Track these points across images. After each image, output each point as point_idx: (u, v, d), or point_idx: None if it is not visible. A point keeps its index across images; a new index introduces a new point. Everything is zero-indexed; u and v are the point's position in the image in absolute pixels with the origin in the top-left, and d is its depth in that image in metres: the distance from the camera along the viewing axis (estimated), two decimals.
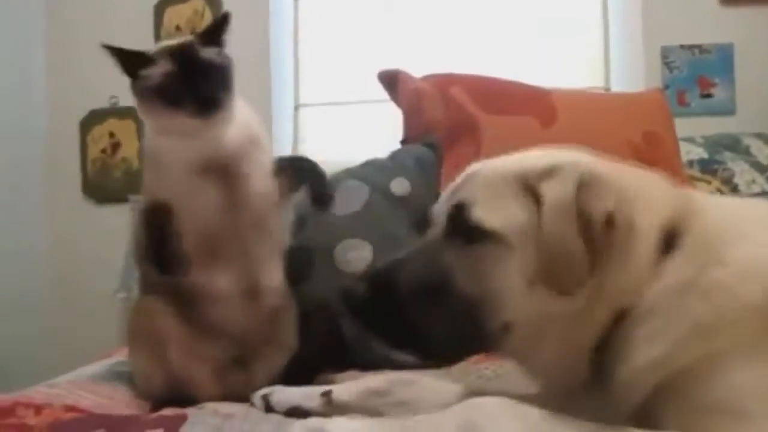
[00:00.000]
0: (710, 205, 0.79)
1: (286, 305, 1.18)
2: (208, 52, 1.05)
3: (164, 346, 1.07)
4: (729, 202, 0.85)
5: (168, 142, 1.06)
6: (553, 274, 0.72)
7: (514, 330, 0.75)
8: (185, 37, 1.08)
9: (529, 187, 0.76)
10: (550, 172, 0.76)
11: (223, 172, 1.07)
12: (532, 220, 0.74)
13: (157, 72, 1.02)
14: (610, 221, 0.71)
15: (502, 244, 0.75)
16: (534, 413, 0.67)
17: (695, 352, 0.67)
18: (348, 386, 0.96)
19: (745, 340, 0.66)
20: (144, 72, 1.03)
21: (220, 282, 1.08)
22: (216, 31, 1.08)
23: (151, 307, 1.09)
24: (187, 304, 1.08)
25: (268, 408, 0.98)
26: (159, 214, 1.07)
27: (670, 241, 0.73)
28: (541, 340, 0.75)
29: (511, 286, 0.74)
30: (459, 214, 0.78)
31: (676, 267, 0.71)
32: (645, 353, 0.69)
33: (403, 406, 0.91)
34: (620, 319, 0.72)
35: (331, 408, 0.93)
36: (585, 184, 0.73)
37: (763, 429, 0.61)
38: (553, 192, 0.74)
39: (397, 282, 0.78)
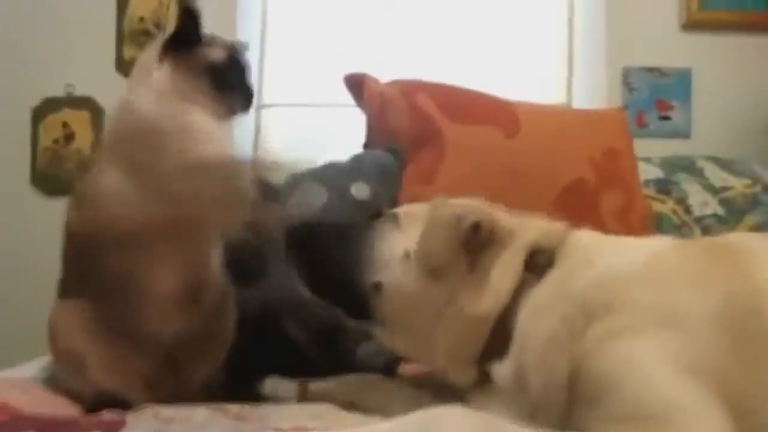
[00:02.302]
0: (586, 238, 0.93)
1: (225, 302, 1.13)
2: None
3: (83, 364, 1.01)
4: (606, 237, 0.97)
5: (209, 123, 1.02)
6: (426, 254, 0.90)
7: (383, 291, 0.93)
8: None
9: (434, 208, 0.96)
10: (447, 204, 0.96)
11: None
12: (423, 218, 0.94)
13: (217, 54, 1.03)
14: (476, 227, 0.90)
15: (395, 221, 0.97)
16: (494, 422, 0.68)
17: (576, 347, 0.75)
18: (323, 381, 1.08)
19: (609, 337, 0.74)
20: (203, 49, 1.02)
21: (161, 285, 1.01)
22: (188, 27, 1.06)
23: (68, 319, 1.02)
24: (112, 308, 1.01)
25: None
26: None
27: (543, 261, 0.88)
28: (409, 310, 0.92)
29: (390, 252, 0.93)
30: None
31: (547, 279, 0.86)
32: (537, 335, 0.81)
33: (372, 400, 1.02)
34: (501, 325, 0.86)
35: (306, 398, 1.06)
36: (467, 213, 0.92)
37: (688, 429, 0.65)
38: (445, 208, 0.94)
39: (321, 234, 1.01)
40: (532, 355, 0.80)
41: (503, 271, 0.89)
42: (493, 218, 0.93)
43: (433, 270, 0.90)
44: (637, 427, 0.65)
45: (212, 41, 1.05)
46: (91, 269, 1.03)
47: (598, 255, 0.86)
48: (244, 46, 1.14)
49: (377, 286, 0.94)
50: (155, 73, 1.02)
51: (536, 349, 0.80)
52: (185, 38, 1.01)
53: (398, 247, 0.94)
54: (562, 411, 0.76)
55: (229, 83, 1.03)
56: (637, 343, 0.72)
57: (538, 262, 0.89)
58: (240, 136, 2.47)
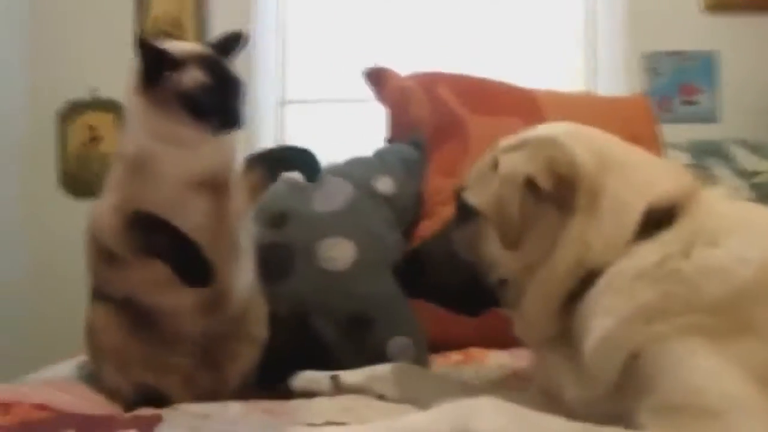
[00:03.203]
0: (716, 202, 0.82)
1: (255, 300, 1.15)
2: (232, 68, 1.02)
3: (125, 359, 1.03)
4: (738, 203, 0.88)
5: (169, 151, 0.99)
6: (501, 234, 0.84)
7: (507, 284, 0.88)
8: (199, 46, 1.03)
9: (497, 162, 0.88)
10: (515, 146, 0.88)
11: (214, 186, 1.03)
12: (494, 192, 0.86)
13: (188, 78, 0.96)
14: (530, 183, 0.82)
15: (481, 218, 0.90)
16: (525, 413, 0.67)
17: (641, 334, 0.71)
18: (355, 371, 1.08)
19: (689, 330, 0.69)
20: (171, 74, 0.96)
21: (181, 300, 1.02)
22: (228, 47, 1.05)
23: (105, 319, 1.05)
24: (142, 315, 1.04)
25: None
26: (158, 221, 0.98)
27: (661, 219, 0.78)
28: (524, 290, 0.85)
29: (492, 250, 0.88)
30: (458, 197, 0.95)
31: (649, 248, 0.76)
32: (595, 328, 0.75)
33: (405, 392, 1.03)
34: (588, 282, 0.79)
35: (339, 391, 1.05)
36: (536, 152, 0.83)
37: (735, 427, 0.62)
38: (504, 163, 0.86)
39: (422, 256, 1.00)
40: (605, 322, 0.74)
41: (598, 232, 0.78)
42: (554, 153, 0.82)
43: (512, 242, 0.83)
44: (687, 420, 0.63)
45: (186, 62, 0.97)
46: (111, 280, 1.06)
47: (726, 235, 0.75)
48: (242, 38, 1.07)
49: (502, 283, 0.88)
50: (133, 109, 1.00)
51: (613, 319, 0.74)
52: (151, 69, 0.96)
53: (494, 240, 0.87)
54: (607, 395, 0.73)
55: (202, 108, 0.96)
56: (708, 345, 0.68)
57: (653, 218, 0.78)
58: (263, 133, 2.49)
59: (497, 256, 0.87)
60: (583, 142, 0.85)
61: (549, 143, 0.84)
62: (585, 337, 0.76)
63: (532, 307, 0.85)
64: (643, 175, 0.83)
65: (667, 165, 0.89)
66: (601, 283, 0.77)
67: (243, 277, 1.11)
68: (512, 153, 0.86)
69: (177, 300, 1.01)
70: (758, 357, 0.67)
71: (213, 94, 0.97)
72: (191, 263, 0.97)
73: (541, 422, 0.66)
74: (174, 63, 0.97)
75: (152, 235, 0.98)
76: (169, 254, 0.96)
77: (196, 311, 1.04)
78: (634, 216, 0.78)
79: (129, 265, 1.01)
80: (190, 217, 1.01)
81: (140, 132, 0.99)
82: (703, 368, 0.67)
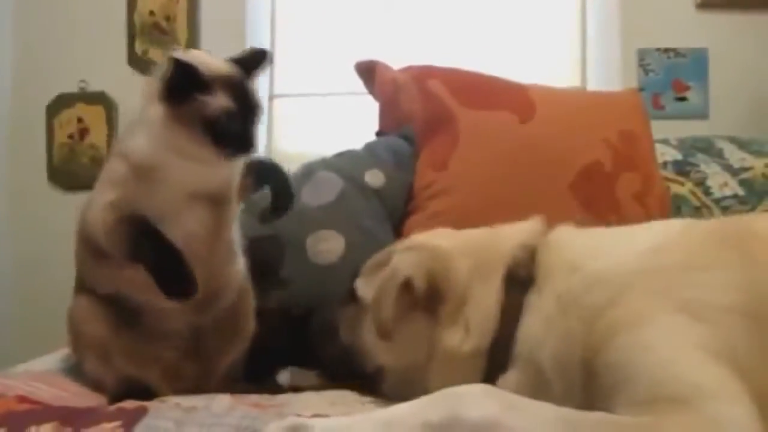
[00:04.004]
0: (567, 238, 0.91)
1: (244, 294, 1.14)
2: (255, 92, 1.01)
3: (108, 351, 1.02)
4: (589, 232, 0.93)
5: (181, 164, 0.98)
6: (376, 324, 0.91)
7: (386, 372, 0.95)
8: (227, 62, 1.01)
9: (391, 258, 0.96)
10: (409, 248, 0.96)
11: (216, 199, 1.02)
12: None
13: (216, 104, 0.95)
14: (407, 284, 0.90)
15: (363, 306, 0.98)
16: (516, 399, 0.67)
17: (587, 336, 0.75)
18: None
19: (622, 325, 0.72)
20: (201, 97, 0.94)
21: (168, 301, 0.99)
22: (252, 64, 1.04)
23: (88, 311, 1.04)
24: (128, 310, 1.03)
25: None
26: (148, 224, 0.97)
27: (523, 275, 0.88)
28: (411, 382, 0.89)
29: (369, 339, 0.95)
30: (351, 281, 1.04)
31: (537, 301, 0.84)
32: (542, 363, 0.80)
33: None
34: (496, 347, 0.86)
35: (327, 385, 1.07)
36: (421, 258, 0.91)
37: (716, 412, 0.63)
38: (394, 260, 0.94)
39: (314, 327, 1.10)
40: (546, 373, 0.79)
41: (480, 305, 0.88)
42: (434, 264, 0.91)
43: (384, 334, 0.91)
44: (662, 409, 0.63)
45: (215, 84, 0.96)
46: (98, 275, 1.05)
47: (580, 257, 0.84)
48: (267, 56, 1.06)
49: (380, 370, 0.97)
50: (152, 116, 0.98)
51: (548, 368, 0.79)
52: (179, 92, 0.95)
53: (370, 329, 0.94)
54: (579, 394, 0.75)
55: (222, 135, 0.96)
56: (652, 329, 0.70)
57: (517, 278, 0.88)
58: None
59: (372, 346, 0.95)
60: (464, 253, 0.93)
61: (436, 255, 0.92)
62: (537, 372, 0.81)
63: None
64: (492, 256, 0.92)
65: (512, 229, 0.96)
66: (519, 349, 0.85)
67: (237, 274, 1.11)
68: (404, 253, 0.94)
69: (166, 301, 0.99)
70: (692, 330, 0.69)
71: (235, 121, 0.97)
72: (174, 275, 0.95)
73: (532, 408, 0.66)
74: (203, 85, 0.95)
75: (141, 240, 0.96)
76: (153, 264, 0.95)
77: (187, 310, 1.04)
78: (495, 296, 0.88)
79: (118, 264, 1.00)
80: (188, 225, 1.00)
81: (154, 140, 0.98)
82: (663, 357, 0.68)
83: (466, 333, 0.87)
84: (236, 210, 1.09)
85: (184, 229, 0.99)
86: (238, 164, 1.05)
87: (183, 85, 0.94)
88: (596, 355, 0.73)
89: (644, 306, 0.72)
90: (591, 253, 0.84)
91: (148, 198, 0.98)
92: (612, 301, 0.74)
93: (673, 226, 0.87)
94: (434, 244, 0.95)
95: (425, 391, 0.76)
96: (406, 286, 0.90)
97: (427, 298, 0.90)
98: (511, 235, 0.94)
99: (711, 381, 0.65)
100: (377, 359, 0.95)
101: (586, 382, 0.74)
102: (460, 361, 0.87)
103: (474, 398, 0.66)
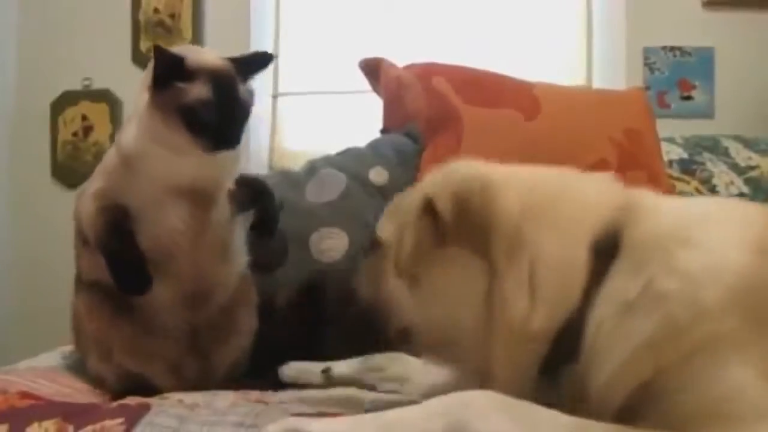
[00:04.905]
0: (656, 207, 0.75)
1: (245, 290, 1.14)
2: (243, 89, 1.01)
3: (109, 347, 1.03)
4: (677, 203, 0.82)
5: (161, 154, 0.99)
6: (395, 260, 0.74)
7: (414, 335, 0.77)
8: (222, 59, 1.01)
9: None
10: (434, 173, 0.79)
11: (198, 197, 1.03)
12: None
13: (194, 93, 0.95)
14: (427, 206, 0.72)
15: (384, 250, 0.79)
16: (526, 408, 0.63)
17: (650, 364, 0.63)
18: (346, 363, 1.05)
19: (706, 345, 0.62)
20: (180, 85, 0.95)
21: (161, 295, 1.02)
22: (252, 65, 1.04)
23: (89, 306, 1.04)
24: (126, 305, 1.03)
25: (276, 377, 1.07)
26: (123, 219, 1.00)
27: (610, 245, 0.70)
28: (452, 342, 0.74)
29: (392, 289, 0.77)
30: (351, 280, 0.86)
31: (618, 281, 0.68)
32: (597, 375, 0.66)
33: (397, 382, 0.99)
34: (568, 330, 0.68)
35: (331, 383, 1.03)
36: (448, 179, 0.75)
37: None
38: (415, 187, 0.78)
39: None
40: (611, 368, 0.65)
41: (556, 264, 0.69)
42: (467, 185, 0.72)
43: (404, 272, 0.73)
44: (706, 425, 0.59)
45: (198, 74, 0.97)
46: (91, 265, 1.05)
47: (673, 241, 0.67)
48: (270, 58, 1.07)
49: (404, 332, 0.78)
50: (140, 106, 1.00)
51: (617, 363, 0.65)
52: (160, 79, 0.97)
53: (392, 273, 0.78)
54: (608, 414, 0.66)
55: (198, 124, 0.96)
56: (720, 358, 0.61)
57: (600, 244, 0.69)
58: (256, 125, 2.47)
59: (398, 298, 0.77)
60: (514, 186, 0.75)
61: (473, 177, 0.74)
62: (589, 386, 0.67)
63: (503, 378, 0.71)
64: (576, 210, 0.73)
65: (597, 182, 0.79)
66: (588, 338, 0.68)
67: (232, 274, 1.11)
68: (431, 174, 0.79)
69: (156, 293, 1.00)
70: None
71: (213, 113, 0.96)
72: (129, 273, 0.98)
73: (543, 418, 0.62)
74: (185, 74, 0.96)
75: (110, 233, 0.99)
76: (113, 258, 0.98)
77: (177, 305, 1.04)
78: (579, 263, 0.69)
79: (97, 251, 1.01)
80: (168, 220, 1.01)
81: (139, 129, 1.00)
82: (724, 379, 0.60)
83: (533, 298, 0.69)
84: (226, 211, 1.08)
85: (165, 223, 1.01)
86: (225, 165, 1.04)
87: (165, 72, 0.96)
88: (665, 376, 0.63)
89: (739, 330, 0.62)
90: (683, 237, 0.67)
91: (130, 188, 1.00)
92: (703, 316, 0.62)
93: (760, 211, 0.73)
94: (473, 167, 0.78)
95: (467, 361, 0.69)
96: (430, 209, 0.73)
97: (459, 228, 0.71)
98: (600, 188, 0.76)
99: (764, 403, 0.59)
100: (403, 316, 0.77)
101: (630, 395, 0.64)
102: (523, 338, 0.69)
103: (482, 409, 0.62)
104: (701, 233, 0.68)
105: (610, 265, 0.69)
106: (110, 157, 1.05)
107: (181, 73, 0.96)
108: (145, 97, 0.99)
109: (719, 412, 0.59)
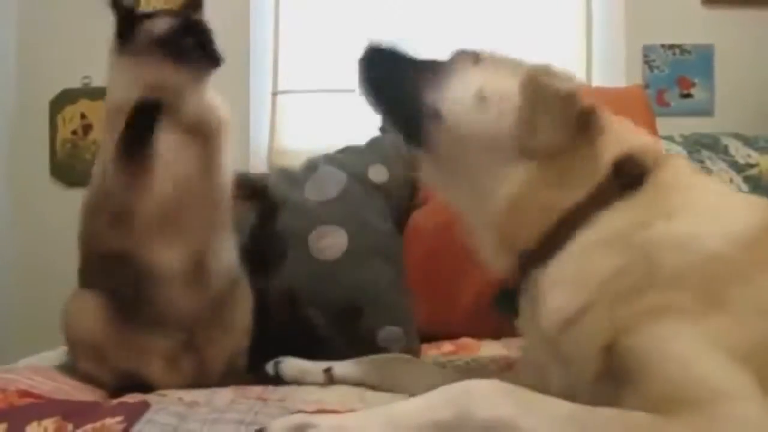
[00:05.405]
0: (683, 172, 0.83)
1: (238, 287, 1.14)
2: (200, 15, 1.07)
3: (102, 348, 1.03)
4: (703, 177, 0.90)
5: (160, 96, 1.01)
6: (529, 131, 0.80)
7: (441, 121, 0.85)
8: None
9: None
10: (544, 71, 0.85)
11: (204, 137, 1.04)
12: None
13: (161, 24, 1.01)
14: (570, 97, 0.80)
15: (475, 60, 0.91)
16: (528, 395, 0.65)
17: (609, 322, 0.70)
18: (347, 363, 1.07)
19: (663, 312, 0.67)
20: (145, 26, 1.02)
21: (166, 258, 1.02)
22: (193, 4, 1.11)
23: (85, 306, 1.04)
24: (128, 291, 1.03)
25: (277, 374, 1.08)
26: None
27: (631, 177, 0.78)
28: (467, 155, 0.84)
29: (461, 87, 0.86)
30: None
31: (617, 214, 0.76)
32: (553, 299, 0.75)
33: (398, 380, 1.01)
34: (558, 230, 0.78)
35: (332, 383, 1.04)
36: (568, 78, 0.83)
37: (727, 414, 0.60)
38: (546, 83, 0.82)
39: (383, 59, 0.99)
40: (574, 293, 0.74)
41: (592, 167, 0.79)
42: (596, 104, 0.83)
43: (530, 149, 0.80)
44: (676, 408, 0.61)
45: (156, 15, 1.05)
46: (101, 253, 1.05)
47: (686, 209, 0.75)
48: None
49: (436, 114, 0.86)
50: (116, 65, 1.05)
51: (579, 290, 0.73)
52: (125, 24, 1.02)
53: (472, 84, 0.86)
54: (589, 385, 0.72)
55: (179, 49, 1.01)
56: (684, 326, 0.66)
57: (625, 175, 0.79)
58: (256, 123, 2.47)
59: (457, 109, 0.85)
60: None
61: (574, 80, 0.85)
62: (542, 305, 0.77)
63: (480, 190, 0.83)
64: (629, 129, 0.86)
65: (642, 131, 0.90)
66: (575, 242, 0.76)
67: (224, 253, 1.11)
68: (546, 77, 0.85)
69: (163, 259, 1.01)
70: (734, 335, 0.65)
71: (187, 36, 1.02)
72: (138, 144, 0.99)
73: (544, 404, 0.64)
74: (145, 16, 1.03)
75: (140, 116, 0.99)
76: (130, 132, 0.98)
77: (179, 280, 1.04)
78: (608, 158, 0.80)
79: (130, 219, 1.01)
80: (180, 166, 1.02)
81: (127, 88, 1.02)
82: (682, 356, 0.65)
83: (573, 187, 0.79)
84: (227, 150, 1.09)
85: (175, 169, 1.01)
86: (216, 98, 1.08)
87: (127, 21, 1.03)
88: (627, 328, 0.68)
89: (691, 304, 0.68)
90: (692, 204, 0.77)
91: None
92: (669, 284, 0.69)
93: None
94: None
95: (470, 183, 0.81)
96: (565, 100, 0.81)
97: (581, 116, 0.81)
98: (642, 131, 0.88)
99: (728, 381, 0.63)
100: (446, 106, 0.86)
101: (602, 359, 0.70)
102: (546, 207, 0.79)
103: (485, 396, 0.63)
104: (705, 209, 0.76)
105: (623, 193, 0.77)
106: (103, 145, 1.07)
107: (140, 17, 1.03)
108: (116, 60, 1.05)
109: (678, 396, 0.62)
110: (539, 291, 0.78)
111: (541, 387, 0.70)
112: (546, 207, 0.79)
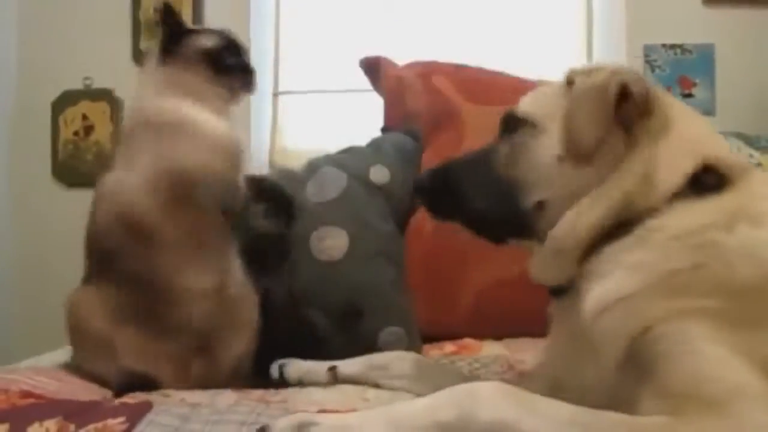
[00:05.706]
0: (765, 184, 0.79)
1: (245, 288, 1.15)
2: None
3: (111, 345, 1.02)
4: None
5: (202, 114, 1.04)
6: (573, 145, 0.78)
7: (547, 207, 0.82)
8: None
9: (570, 81, 0.84)
10: (590, 71, 0.84)
11: (232, 160, 1.07)
12: (563, 105, 0.82)
13: (208, 39, 1.07)
14: (624, 92, 0.77)
15: (534, 128, 0.84)
16: (531, 398, 0.65)
17: (658, 309, 0.68)
18: (352, 361, 1.07)
19: (719, 315, 0.66)
20: (193, 38, 1.07)
21: (195, 280, 1.03)
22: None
23: (92, 303, 1.03)
24: (139, 298, 1.03)
25: (282, 377, 1.08)
26: None
27: (709, 183, 0.76)
28: (560, 215, 0.80)
29: (542, 163, 0.82)
30: (508, 113, 0.90)
31: (695, 209, 0.73)
32: (599, 286, 0.73)
33: (402, 380, 1.01)
34: (619, 231, 0.76)
35: (337, 382, 1.04)
36: (617, 73, 0.79)
37: (739, 418, 0.59)
38: (584, 80, 0.82)
39: (451, 173, 0.91)
40: (626, 279, 0.72)
41: (673, 162, 0.76)
42: (647, 83, 0.79)
43: (584, 155, 0.78)
44: (689, 409, 0.61)
45: (203, 31, 1.09)
46: (115, 262, 1.04)
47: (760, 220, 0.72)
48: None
49: (540, 205, 0.82)
50: (156, 75, 1.06)
51: (633, 277, 0.71)
52: (173, 35, 1.06)
53: (547, 152, 0.82)
54: (611, 376, 0.70)
55: (225, 65, 1.07)
56: (719, 333, 0.65)
57: (703, 179, 0.76)
58: (257, 123, 2.47)
59: (545, 171, 0.81)
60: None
61: (628, 69, 0.82)
62: (587, 292, 0.74)
63: (562, 233, 0.79)
64: (705, 131, 0.83)
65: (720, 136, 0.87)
66: (635, 235, 0.74)
67: (236, 268, 1.13)
68: (591, 73, 0.83)
69: (195, 282, 1.03)
70: (751, 342, 0.64)
71: (231, 54, 1.08)
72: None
73: (547, 407, 0.64)
74: (192, 31, 1.08)
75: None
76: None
77: (208, 294, 1.05)
78: (689, 163, 0.77)
79: (158, 243, 1.01)
80: (219, 181, 1.05)
81: (161, 97, 1.04)
82: (709, 355, 0.64)
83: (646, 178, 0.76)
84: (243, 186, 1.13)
85: (215, 184, 1.04)
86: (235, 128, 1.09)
87: (176, 31, 1.06)
88: (656, 326, 0.67)
89: (740, 314, 0.66)
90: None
91: (185, 153, 1.02)
92: (736, 293, 0.67)
93: None
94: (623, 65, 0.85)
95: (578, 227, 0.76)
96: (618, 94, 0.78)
97: (636, 110, 0.78)
98: (725, 144, 0.86)
99: (748, 386, 0.61)
100: (543, 191, 0.81)
101: (627, 348, 0.69)
102: (636, 194, 0.76)
103: (488, 398, 0.63)
104: None
105: (700, 195, 0.75)
106: (132, 141, 1.05)
107: (188, 30, 1.08)
108: (158, 70, 1.06)
109: (697, 392, 0.62)
110: (589, 277, 0.76)
111: (552, 394, 0.69)
112: (607, 215, 0.77)
